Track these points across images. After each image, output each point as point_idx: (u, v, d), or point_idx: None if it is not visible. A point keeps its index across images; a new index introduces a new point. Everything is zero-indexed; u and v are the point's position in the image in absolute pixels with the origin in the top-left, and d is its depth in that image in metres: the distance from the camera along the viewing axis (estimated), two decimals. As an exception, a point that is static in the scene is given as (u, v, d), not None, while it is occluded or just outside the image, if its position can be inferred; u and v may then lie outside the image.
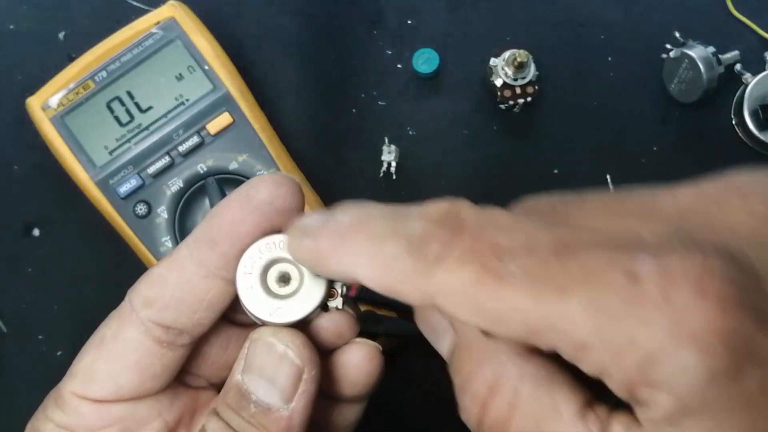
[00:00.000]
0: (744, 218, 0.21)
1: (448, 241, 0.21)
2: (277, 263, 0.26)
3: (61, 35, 0.50)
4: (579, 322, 0.19)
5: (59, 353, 0.47)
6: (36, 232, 0.48)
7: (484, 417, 0.23)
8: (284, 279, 0.26)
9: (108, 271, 0.47)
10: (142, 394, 0.28)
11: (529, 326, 0.20)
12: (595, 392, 0.22)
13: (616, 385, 0.20)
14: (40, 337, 0.47)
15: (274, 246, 0.26)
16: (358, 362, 0.28)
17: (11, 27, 0.50)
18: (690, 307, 0.19)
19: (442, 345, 0.25)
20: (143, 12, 0.46)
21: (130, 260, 0.45)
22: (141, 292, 0.27)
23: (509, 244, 0.21)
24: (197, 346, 0.29)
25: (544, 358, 0.22)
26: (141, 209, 0.44)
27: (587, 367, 0.20)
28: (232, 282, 0.26)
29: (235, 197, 0.26)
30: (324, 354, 0.28)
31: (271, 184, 0.26)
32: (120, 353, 0.27)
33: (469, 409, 0.23)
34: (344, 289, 0.27)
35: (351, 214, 0.24)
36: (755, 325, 0.19)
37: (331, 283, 0.27)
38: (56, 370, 0.46)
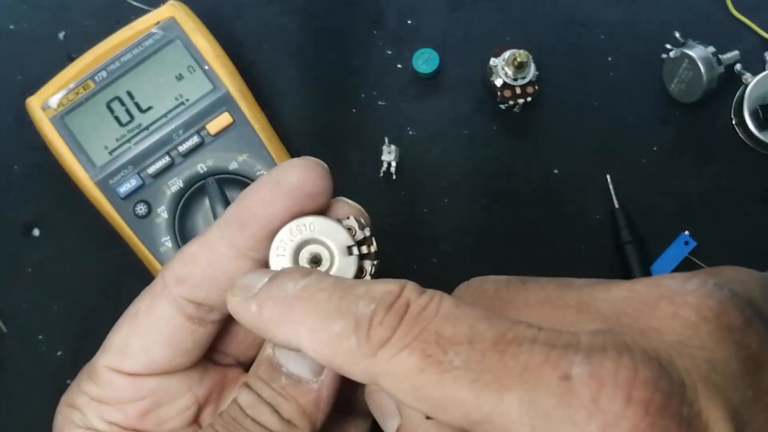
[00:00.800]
0: (672, 324, 0.22)
1: (394, 326, 0.22)
2: (309, 245, 0.27)
3: (61, 35, 0.50)
4: (515, 419, 0.20)
5: (59, 353, 0.47)
6: (36, 232, 0.48)
7: None
8: (315, 260, 0.27)
9: (108, 271, 0.47)
10: (174, 368, 0.29)
11: (469, 418, 0.21)
12: None
13: None
14: (40, 337, 0.47)
15: (305, 228, 0.27)
16: (296, 167, 0.28)
17: (11, 27, 0.50)
18: (618, 413, 0.19)
19: (389, 427, 0.26)
20: (143, 12, 0.46)
21: (130, 260, 0.45)
22: (174, 270, 0.28)
23: (453, 334, 0.21)
24: (226, 325, 0.30)
25: None
26: (141, 209, 0.44)
27: None
28: (263, 263, 0.27)
29: (266, 180, 0.27)
30: None
31: (301, 168, 0.27)
32: (153, 328, 0.28)
33: None
34: (373, 269, 0.28)
35: (298, 283, 0.24)
36: (678, 430, 0.20)
37: (361, 263, 0.27)
38: (56, 370, 0.46)
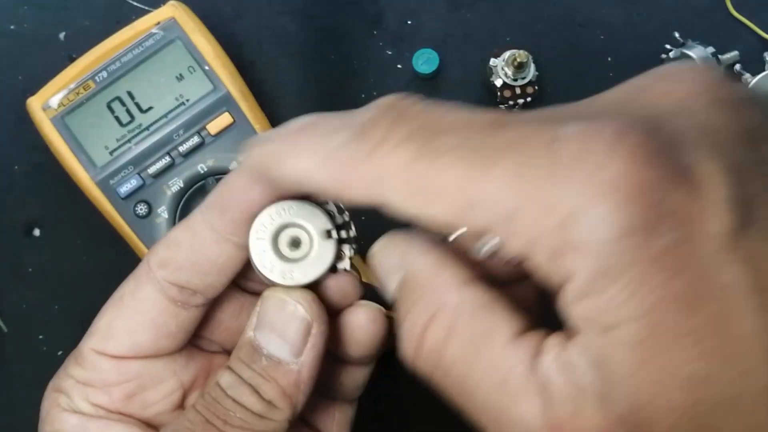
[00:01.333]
0: (666, 100, 0.21)
1: (391, 124, 0.22)
2: (288, 228, 0.27)
3: (61, 35, 0.50)
4: (503, 190, 0.19)
5: (59, 353, 0.47)
6: (36, 232, 0.48)
7: (421, 347, 0.23)
8: (295, 243, 0.27)
9: (108, 271, 0.47)
10: (158, 352, 0.29)
11: (460, 202, 0.20)
12: (534, 322, 0.22)
13: (542, 259, 0.20)
14: (40, 337, 0.47)
15: (284, 212, 0.27)
16: (363, 323, 0.29)
17: (11, 27, 0.50)
18: (606, 157, 0.18)
19: (391, 285, 0.25)
20: (143, 12, 0.46)
21: (130, 260, 0.45)
22: (158, 254, 0.28)
23: (450, 121, 0.21)
24: (211, 311, 0.30)
25: (485, 285, 0.23)
26: (141, 209, 0.44)
27: (516, 243, 0.20)
28: (244, 247, 0.27)
29: (245, 164, 0.27)
30: (331, 315, 0.28)
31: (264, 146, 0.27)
32: (137, 310, 0.29)
33: (406, 341, 0.23)
34: (353, 252, 0.28)
35: (304, 118, 0.24)
36: (672, 181, 0.18)
37: (340, 247, 0.28)
38: (56, 370, 0.46)
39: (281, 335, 0.26)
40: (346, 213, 0.29)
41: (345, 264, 0.29)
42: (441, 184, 0.20)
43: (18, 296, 0.47)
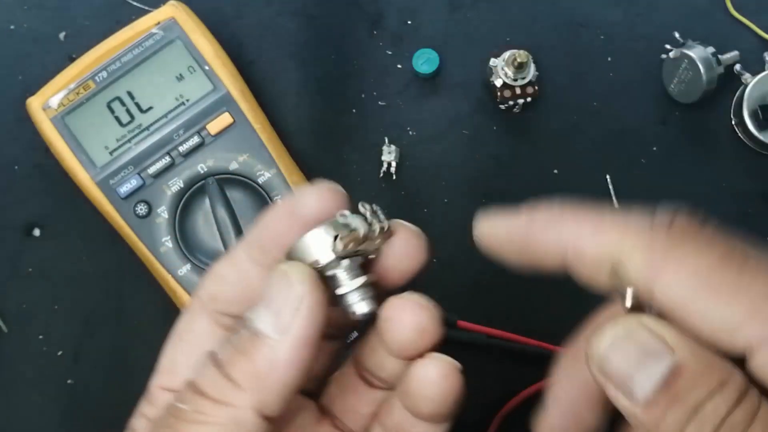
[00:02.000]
0: None
1: (700, 225, 0.23)
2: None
3: (61, 35, 0.50)
4: None
5: (59, 353, 0.47)
6: (36, 232, 0.48)
7: None
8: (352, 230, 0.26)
9: (108, 271, 0.47)
10: None
11: (754, 310, 0.22)
12: None
13: None
14: (40, 337, 0.47)
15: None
16: (434, 378, 0.27)
17: (11, 27, 0.50)
18: None
19: (645, 384, 0.23)
20: (143, 12, 0.46)
21: (130, 260, 0.45)
22: (206, 288, 0.28)
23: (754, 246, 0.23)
24: None
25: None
26: (141, 209, 0.44)
27: None
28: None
29: (283, 208, 0.27)
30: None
31: (317, 195, 0.27)
32: (195, 343, 0.28)
33: None
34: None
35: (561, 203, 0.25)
36: None
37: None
38: (56, 370, 0.46)
39: (268, 306, 0.25)
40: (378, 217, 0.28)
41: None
42: (740, 291, 0.22)
43: (18, 296, 0.47)
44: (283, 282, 0.25)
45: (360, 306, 0.26)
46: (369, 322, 0.27)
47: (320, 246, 0.25)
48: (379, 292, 0.27)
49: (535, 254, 0.26)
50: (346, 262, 0.26)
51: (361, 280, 0.26)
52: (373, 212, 0.27)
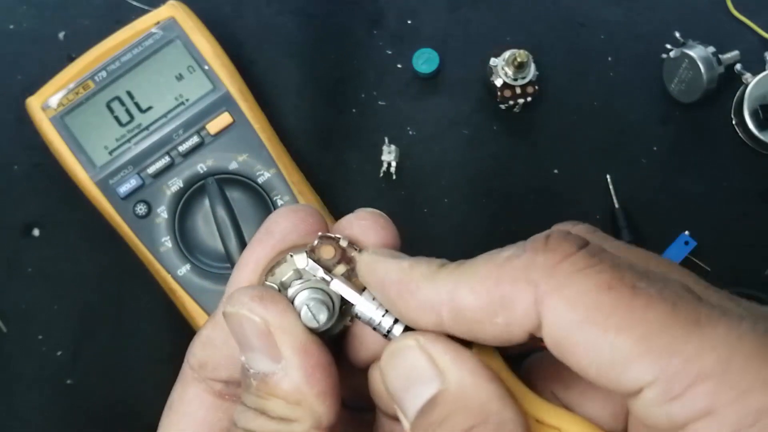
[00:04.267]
0: None
1: (580, 245, 0.21)
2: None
3: (61, 35, 0.50)
4: (708, 355, 0.19)
5: (59, 353, 0.47)
6: (36, 232, 0.48)
7: None
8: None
9: (108, 271, 0.47)
10: None
11: (652, 345, 0.20)
12: None
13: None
14: (40, 337, 0.47)
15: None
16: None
17: (11, 27, 0.50)
18: None
19: (413, 402, 0.23)
20: (143, 12, 0.46)
21: (130, 260, 0.45)
22: (195, 354, 0.28)
23: (645, 269, 0.21)
24: None
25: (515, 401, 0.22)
26: (141, 209, 0.44)
27: (694, 398, 0.20)
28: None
29: (256, 239, 0.26)
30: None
31: (284, 217, 0.26)
32: (186, 413, 0.28)
33: None
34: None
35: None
36: None
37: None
38: (56, 370, 0.46)
39: (250, 348, 0.24)
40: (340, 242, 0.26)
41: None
42: (632, 322, 0.20)
43: (18, 296, 0.47)
44: (240, 321, 0.24)
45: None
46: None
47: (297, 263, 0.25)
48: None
49: (410, 303, 0.24)
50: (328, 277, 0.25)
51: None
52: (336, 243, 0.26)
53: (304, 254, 0.25)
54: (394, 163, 0.48)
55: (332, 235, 0.25)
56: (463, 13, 0.50)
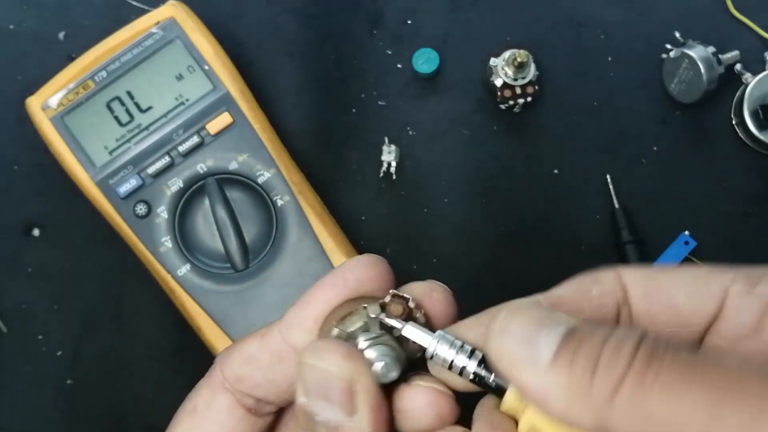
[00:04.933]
0: None
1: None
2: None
3: (61, 35, 0.50)
4: None
5: (59, 353, 0.47)
6: (36, 232, 0.48)
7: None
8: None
9: (108, 271, 0.47)
10: None
11: None
12: None
13: None
14: (40, 337, 0.47)
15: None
16: (421, 406, 0.26)
17: (11, 27, 0.50)
18: None
19: (551, 335, 0.22)
20: (143, 12, 0.46)
21: (130, 260, 0.45)
22: (233, 368, 0.27)
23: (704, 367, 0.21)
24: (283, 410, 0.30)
25: None
26: (141, 209, 0.44)
27: None
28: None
29: (330, 281, 0.26)
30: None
31: (361, 268, 0.26)
32: (216, 421, 0.28)
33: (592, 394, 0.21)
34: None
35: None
36: None
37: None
38: (56, 370, 0.46)
39: (326, 398, 0.25)
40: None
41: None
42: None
43: (18, 296, 0.47)
44: (320, 371, 0.25)
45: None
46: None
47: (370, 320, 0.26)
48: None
49: None
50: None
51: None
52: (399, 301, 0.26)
53: (378, 307, 0.26)
54: (394, 163, 0.48)
55: (403, 295, 0.26)
56: (463, 13, 0.50)
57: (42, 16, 0.50)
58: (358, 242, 0.47)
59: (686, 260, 0.46)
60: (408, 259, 0.47)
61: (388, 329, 0.26)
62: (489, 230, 0.48)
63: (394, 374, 0.25)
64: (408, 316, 0.26)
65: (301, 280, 0.43)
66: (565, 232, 0.47)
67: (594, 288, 0.25)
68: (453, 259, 0.47)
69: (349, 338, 0.26)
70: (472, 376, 0.25)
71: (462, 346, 0.25)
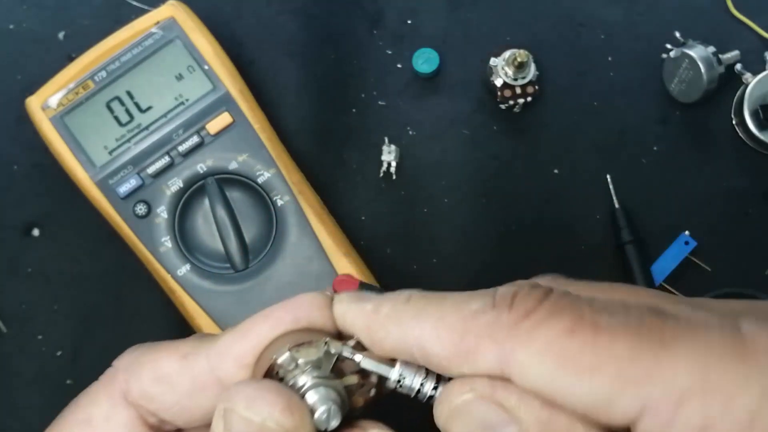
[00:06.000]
0: None
1: (539, 298, 0.21)
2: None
3: (61, 35, 0.50)
4: (680, 378, 0.19)
5: (59, 353, 0.47)
6: (36, 232, 0.48)
7: None
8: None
9: (108, 271, 0.47)
10: None
11: (623, 378, 0.20)
12: None
13: None
14: (40, 337, 0.47)
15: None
16: None
17: (11, 27, 0.50)
18: None
19: None
20: (143, 12, 0.46)
21: (130, 260, 0.45)
22: (143, 384, 0.25)
23: (605, 302, 0.21)
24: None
25: None
26: (141, 209, 0.44)
27: (686, 419, 0.19)
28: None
29: (278, 314, 0.24)
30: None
31: (315, 308, 0.25)
32: None
33: None
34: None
35: (412, 291, 0.23)
36: None
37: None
38: (56, 370, 0.46)
39: None
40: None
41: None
42: (602, 360, 0.20)
43: (17, 296, 0.47)
44: (252, 426, 0.22)
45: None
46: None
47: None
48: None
49: (383, 347, 0.23)
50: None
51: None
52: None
53: (339, 342, 0.24)
54: (394, 163, 0.48)
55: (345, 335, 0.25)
56: (463, 13, 0.50)
57: (42, 16, 0.50)
58: (358, 242, 0.47)
59: (686, 260, 0.46)
60: (408, 259, 0.47)
61: (335, 369, 0.23)
62: (489, 230, 0.48)
63: (335, 422, 0.23)
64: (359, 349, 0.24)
65: (301, 280, 0.43)
66: (565, 232, 0.47)
67: (465, 366, 0.22)
68: (453, 259, 0.47)
69: (290, 372, 0.23)
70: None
71: (426, 373, 0.24)
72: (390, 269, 0.47)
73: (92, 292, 0.47)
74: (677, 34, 0.48)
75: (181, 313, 0.44)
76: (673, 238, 0.47)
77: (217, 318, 0.43)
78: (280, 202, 0.44)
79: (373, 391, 0.24)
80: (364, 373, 0.24)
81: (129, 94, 0.44)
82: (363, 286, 0.41)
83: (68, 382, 0.46)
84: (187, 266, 0.44)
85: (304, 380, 0.23)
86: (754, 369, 0.19)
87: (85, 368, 0.46)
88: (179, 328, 0.45)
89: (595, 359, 0.20)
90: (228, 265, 0.44)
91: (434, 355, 0.22)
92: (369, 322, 0.23)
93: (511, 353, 0.21)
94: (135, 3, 0.49)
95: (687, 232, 0.47)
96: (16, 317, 0.47)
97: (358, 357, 0.24)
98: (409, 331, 0.22)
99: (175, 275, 0.44)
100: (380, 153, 0.48)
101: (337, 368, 0.24)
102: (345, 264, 0.44)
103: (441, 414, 0.23)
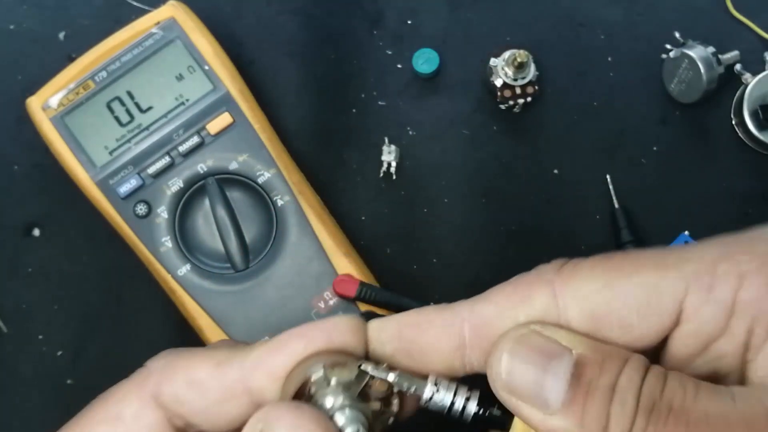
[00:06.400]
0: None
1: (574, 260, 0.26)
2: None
3: (61, 35, 0.50)
4: (713, 251, 0.25)
5: (59, 353, 0.47)
6: (36, 232, 0.48)
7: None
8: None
9: (108, 271, 0.47)
10: None
11: (661, 267, 0.25)
12: None
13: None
14: (40, 337, 0.47)
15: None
16: None
17: (11, 27, 0.50)
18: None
19: (558, 374, 0.22)
20: (143, 12, 0.46)
21: (130, 260, 0.45)
22: (175, 388, 0.25)
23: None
24: None
25: None
26: (141, 209, 0.44)
27: (725, 276, 0.24)
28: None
29: (313, 334, 0.25)
30: None
31: (348, 332, 0.25)
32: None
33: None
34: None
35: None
36: None
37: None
38: (56, 370, 0.46)
39: None
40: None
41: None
42: (639, 263, 0.25)
43: (18, 296, 0.47)
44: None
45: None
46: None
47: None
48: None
49: (425, 357, 0.24)
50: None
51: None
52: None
53: (372, 364, 0.24)
54: (394, 163, 0.48)
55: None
56: (463, 13, 0.50)
57: (42, 16, 0.50)
58: (358, 242, 0.47)
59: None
60: (408, 259, 0.47)
61: (363, 394, 0.24)
62: (489, 230, 0.48)
63: None
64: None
65: (301, 280, 0.43)
66: (565, 232, 0.47)
67: (521, 313, 0.24)
68: (453, 259, 0.47)
69: (320, 390, 0.24)
70: (473, 416, 0.24)
71: (456, 389, 0.25)
72: (390, 269, 0.47)
73: (92, 292, 0.47)
74: (677, 35, 0.48)
75: (182, 313, 0.44)
76: (673, 238, 0.47)
77: (218, 318, 0.43)
78: (280, 202, 0.44)
79: (391, 420, 0.25)
80: (386, 402, 0.25)
81: (129, 94, 0.44)
82: (363, 286, 0.41)
83: (68, 382, 0.46)
84: (188, 266, 0.44)
85: (334, 401, 0.23)
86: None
87: (86, 368, 0.46)
88: (179, 328, 0.45)
89: (635, 264, 0.24)
90: (228, 265, 0.44)
91: (488, 317, 0.24)
92: (417, 318, 0.25)
93: (563, 283, 0.24)
94: (135, 3, 0.49)
95: (687, 232, 0.47)
96: (16, 317, 0.47)
97: (391, 376, 0.24)
98: (458, 312, 0.25)
99: (176, 275, 0.44)
100: (380, 153, 0.48)
101: (362, 393, 0.24)
102: (345, 264, 0.44)
103: (502, 360, 0.23)
